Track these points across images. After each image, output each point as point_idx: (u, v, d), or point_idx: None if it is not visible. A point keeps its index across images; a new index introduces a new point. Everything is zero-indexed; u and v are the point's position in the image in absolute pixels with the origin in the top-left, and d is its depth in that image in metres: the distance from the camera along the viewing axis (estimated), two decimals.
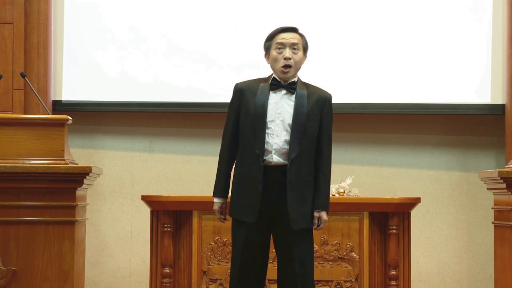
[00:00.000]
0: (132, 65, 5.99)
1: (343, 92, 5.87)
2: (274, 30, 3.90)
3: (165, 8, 5.99)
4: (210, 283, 4.95)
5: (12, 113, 5.69)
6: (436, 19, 5.94)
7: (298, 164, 3.78)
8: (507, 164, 4.85)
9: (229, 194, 3.95)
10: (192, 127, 6.12)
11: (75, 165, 4.43)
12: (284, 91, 3.85)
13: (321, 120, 3.85)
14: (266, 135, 3.79)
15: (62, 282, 4.35)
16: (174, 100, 5.98)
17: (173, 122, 6.12)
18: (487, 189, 4.95)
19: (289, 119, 3.81)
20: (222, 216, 3.96)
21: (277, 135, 3.80)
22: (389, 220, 4.95)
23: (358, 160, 6.07)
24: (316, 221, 3.84)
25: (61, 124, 4.45)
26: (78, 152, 5.92)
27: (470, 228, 6.06)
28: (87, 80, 6.00)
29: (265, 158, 3.78)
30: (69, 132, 4.59)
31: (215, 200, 3.95)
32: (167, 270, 4.93)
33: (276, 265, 3.93)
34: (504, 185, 4.56)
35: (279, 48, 3.84)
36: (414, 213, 5.17)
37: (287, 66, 3.82)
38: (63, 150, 4.42)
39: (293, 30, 3.89)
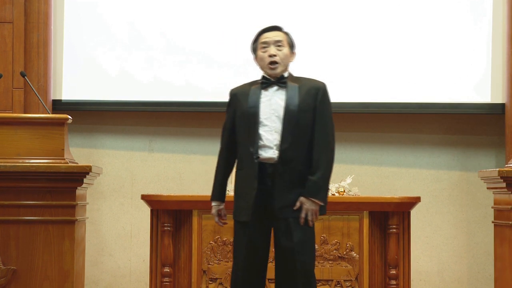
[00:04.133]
0: (132, 64, 5.99)
1: (343, 91, 5.87)
2: (257, 32, 3.96)
3: (165, 8, 5.99)
4: (210, 282, 4.95)
5: (12, 113, 5.69)
6: (436, 18, 5.94)
7: (290, 154, 3.78)
8: (507, 164, 4.85)
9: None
10: (192, 126, 6.12)
11: (75, 165, 4.43)
12: (275, 87, 3.88)
13: (315, 110, 3.84)
14: (264, 132, 3.81)
15: (62, 281, 4.35)
16: (174, 99, 5.98)
17: (173, 121, 6.13)
18: (487, 188, 4.95)
19: (283, 113, 3.82)
20: (220, 220, 4.00)
21: (276, 131, 3.82)
22: (389, 220, 4.95)
23: (358, 160, 6.07)
24: (298, 204, 3.77)
25: (61, 123, 4.45)
26: (78, 152, 5.92)
27: (470, 228, 6.06)
28: (87, 80, 6.00)
29: (265, 155, 3.79)
30: (69, 131, 4.59)
31: (213, 204, 4.00)
32: (167, 270, 4.93)
33: (273, 264, 3.94)
34: (504, 185, 4.56)
35: (264, 47, 3.89)
36: (414, 213, 5.17)
37: (273, 63, 3.86)
38: (63, 149, 4.42)
39: (276, 28, 3.95)
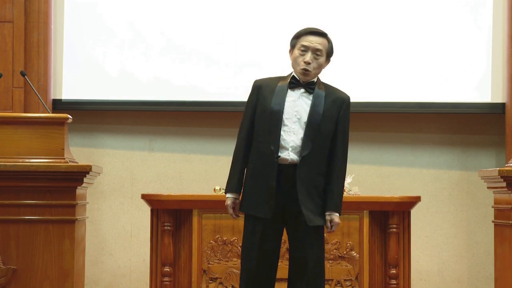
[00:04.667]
0: (132, 63, 5.99)
1: (343, 90, 5.86)
2: (302, 30, 3.92)
3: (165, 7, 5.99)
4: (210, 281, 4.95)
5: (12, 112, 5.69)
6: (436, 18, 5.93)
7: (310, 161, 3.80)
8: (507, 163, 4.85)
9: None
10: (192, 125, 6.12)
11: (75, 164, 4.43)
12: (302, 90, 3.88)
13: (337, 121, 3.87)
14: (282, 132, 3.81)
15: (62, 281, 4.34)
16: (174, 99, 5.98)
17: (173, 120, 6.12)
18: (487, 188, 4.95)
19: (305, 118, 3.83)
20: (235, 212, 3.93)
21: (294, 133, 3.82)
22: (389, 219, 4.95)
23: (358, 159, 6.07)
24: (328, 224, 3.86)
25: (61, 122, 4.45)
26: (78, 151, 5.91)
27: (470, 227, 6.06)
28: (87, 79, 6.00)
29: (280, 155, 3.80)
30: (69, 131, 4.59)
31: (228, 195, 3.92)
32: (167, 269, 4.93)
33: (283, 263, 3.94)
34: (504, 184, 4.55)
35: (302, 50, 3.86)
36: (414, 212, 5.17)
37: (306, 70, 3.85)
38: (63, 149, 4.42)
39: (321, 34, 3.90)
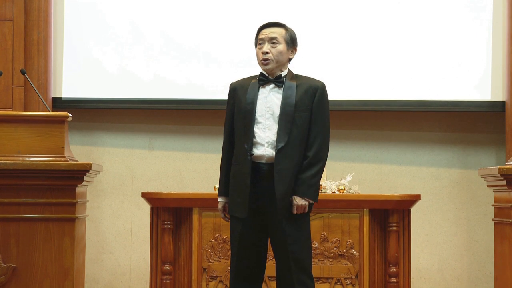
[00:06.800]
0: (132, 62, 5.99)
1: (343, 89, 5.88)
2: (258, 28, 3.97)
3: (165, 5, 5.99)
4: (210, 280, 4.95)
5: (12, 110, 5.69)
6: (436, 16, 5.93)
7: (286, 154, 3.79)
8: (507, 161, 4.84)
9: None
10: (192, 124, 6.12)
11: (75, 162, 4.43)
12: (272, 85, 3.90)
13: (311, 110, 3.86)
14: (257, 129, 3.83)
15: (62, 279, 4.35)
16: (174, 97, 5.98)
17: (173, 119, 6.12)
18: (487, 186, 4.95)
19: (278, 112, 3.83)
20: (226, 215, 4.00)
21: (269, 129, 3.84)
22: (389, 217, 4.95)
23: (358, 157, 6.07)
24: (293, 208, 3.82)
25: (61, 121, 4.45)
26: (78, 149, 5.92)
27: (470, 225, 6.06)
28: (87, 77, 6.00)
29: (254, 152, 3.81)
30: (69, 129, 4.59)
31: (219, 199, 4.01)
32: (167, 267, 4.93)
33: (274, 262, 3.94)
34: (504, 182, 4.55)
35: (260, 44, 3.92)
36: (414, 210, 5.17)
37: (265, 60, 3.87)
38: (63, 147, 4.42)
39: (273, 25, 3.94)
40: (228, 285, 4.89)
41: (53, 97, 5.94)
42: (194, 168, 6.08)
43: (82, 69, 6.00)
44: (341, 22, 5.93)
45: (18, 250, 4.34)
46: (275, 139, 3.81)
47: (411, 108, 5.97)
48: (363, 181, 5.86)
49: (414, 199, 4.98)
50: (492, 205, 4.92)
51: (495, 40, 5.90)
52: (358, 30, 5.94)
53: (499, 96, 5.91)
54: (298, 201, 3.81)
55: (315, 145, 3.84)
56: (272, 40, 3.89)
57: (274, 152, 3.80)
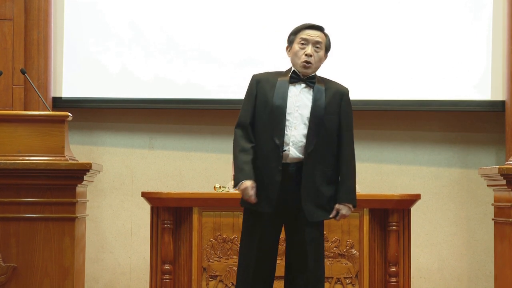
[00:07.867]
0: (132, 61, 5.99)
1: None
2: (300, 25, 3.93)
3: (165, 5, 5.98)
4: (210, 279, 4.95)
5: (12, 110, 5.69)
6: (436, 16, 5.93)
7: (315, 158, 3.80)
8: (507, 161, 4.85)
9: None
10: (192, 123, 6.12)
11: (75, 162, 4.43)
12: (303, 85, 3.89)
13: (340, 114, 3.89)
14: (284, 127, 3.81)
15: (62, 278, 4.35)
16: (174, 97, 5.98)
17: (173, 118, 6.12)
18: (487, 185, 4.95)
19: (307, 113, 3.83)
20: (255, 196, 3.79)
21: (295, 128, 3.82)
22: (389, 217, 4.95)
23: (358, 157, 5.98)
24: (334, 212, 3.87)
25: (61, 120, 4.45)
26: (78, 149, 5.92)
27: (470, 225, 6.06)
28: (87, 77, 6.00)
29: (284, 149, 3.79)
30: (69, 129, 4.59)
31: (248, 183, 3.77)
32: (167, 267, 4.93)
33: (282, 261, 3.94)
34: (504, 182, 4.56)
35: (302, 44, 3.88)
36: (414, 210, 5.17)
37: (307, 63, 3.86)
38: (63, 147, 4.42)
39: (319, 28, 3.93)
40: (228, 285, 4.90)
41: (53, 97, 5.94)
42: (194, 168, 6.08)
43: (82, 68, 6.00)
44: (341, 22, 5.92)
45: (18, 249, 4.34)
46: (299, 139, 3.81)
47: (411, 108, 5.97)
48: (363, 180, 5.85)
49: (414, 198, 4.98)
50: (492, 205, 4.92)
51: (495, 40, 5.90)
52: (358, 30, 5.94)
53: (499, 95, 5.91)
54: (346, 211, 3.90)
55: (348, 151, 3.92)
56: (316, 44, 3.88)
57: (297, 153, 3.80)
